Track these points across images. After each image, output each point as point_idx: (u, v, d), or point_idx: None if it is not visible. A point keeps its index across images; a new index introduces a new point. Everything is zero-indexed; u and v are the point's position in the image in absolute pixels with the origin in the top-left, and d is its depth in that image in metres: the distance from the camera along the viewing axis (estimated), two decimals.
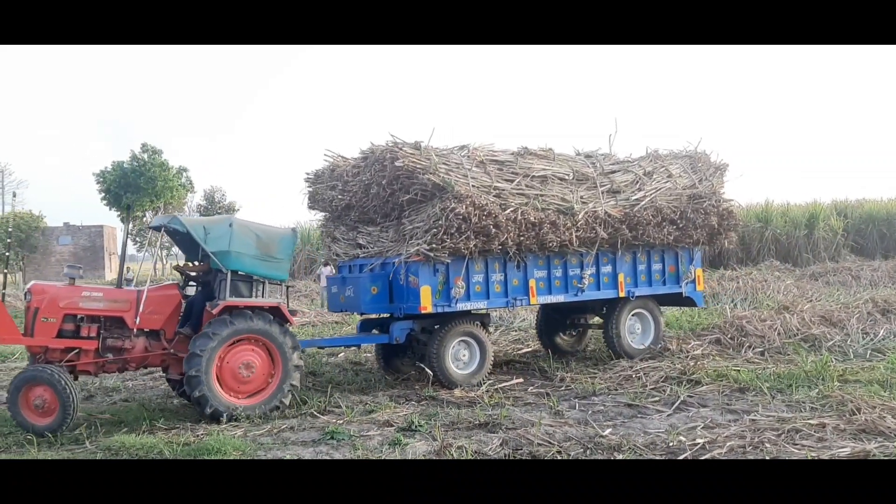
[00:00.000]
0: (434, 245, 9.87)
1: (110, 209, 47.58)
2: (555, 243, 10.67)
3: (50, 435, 8.17)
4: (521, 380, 10.79)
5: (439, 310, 10.38)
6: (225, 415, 8.69)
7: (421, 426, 8.34)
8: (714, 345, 12.56)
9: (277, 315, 9.19)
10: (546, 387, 10.36)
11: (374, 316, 11.49)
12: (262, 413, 8.87)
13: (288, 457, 7.36)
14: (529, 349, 13.51)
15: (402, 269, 10.44)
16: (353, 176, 11.21)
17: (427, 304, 10.23)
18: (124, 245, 9.87)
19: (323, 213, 12.53)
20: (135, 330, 8.98)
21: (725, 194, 12.81)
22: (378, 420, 8.73)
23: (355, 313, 11.93)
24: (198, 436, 8.20)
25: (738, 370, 10.58)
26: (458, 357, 10.61)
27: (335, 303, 11.70)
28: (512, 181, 10.71)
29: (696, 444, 7.28)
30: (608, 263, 11.74)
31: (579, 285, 11.38)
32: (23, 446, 7.95)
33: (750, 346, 12.20)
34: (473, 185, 10.25)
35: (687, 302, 12.85)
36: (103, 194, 47.55)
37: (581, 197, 11.16)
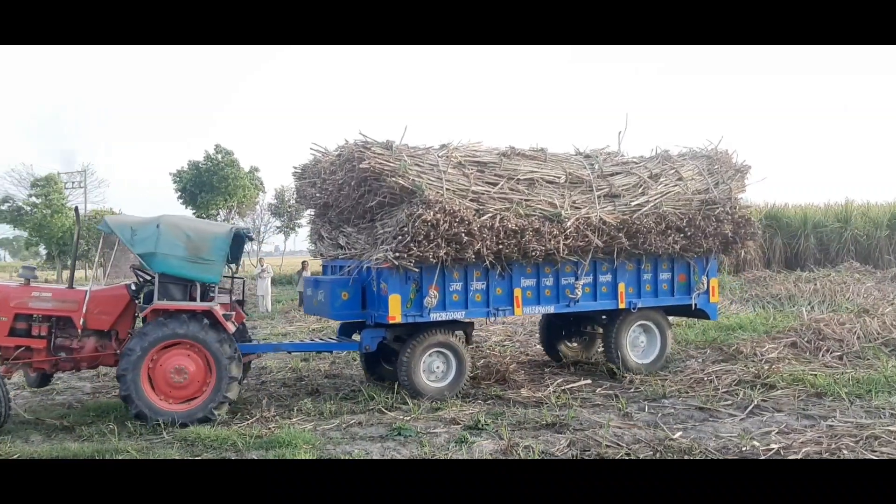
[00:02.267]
0: (400, 252, 9.27)
1: (186, 207, 49.11)
2: (539, 252, 9.84)
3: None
4: (588, 381, 10.68)
5: (410, 320, 9.69)
6: (149, 418, 8.55)
7: (487, 425, 8.35)
8: (790, 348, 12.21)
9: (211, 319, 8.91)
10: (614, 388, 10.23)
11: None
12: (190, 421, 8.60)
13: (356, 452, 7.47)
14: (598, 350, 13.34)
15: (373, 276, 9.89)
16: (329, 174, 10.63)
17: (396, 313, 9.56)
18: (75, 246, 9.90)
19: (311, 210, 12.02)
20: (79, 330, 8.97)
21: (744, 199, 11.74)
22: (444, 418, 8.78)
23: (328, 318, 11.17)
24: (269, 429, 8.39)
25: (815, 374, 10.26)
26: (433, 369, 9.99)
27: (310, 306, 11.26)
28: (494, 184, 9.94)
29: (770, 450, 7.12)
30: (607, 272, 10.77)
31: (572, 296, 10.48)
32: (104, 435, 8.27)
33: (828, 350, 11.82)
34: (448, 189, 9.54)
35: (699, 314, 11.79)
36: (179, 193, 49.16)
37: (574, 202, 10.29)
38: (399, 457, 7.34)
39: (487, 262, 9.72)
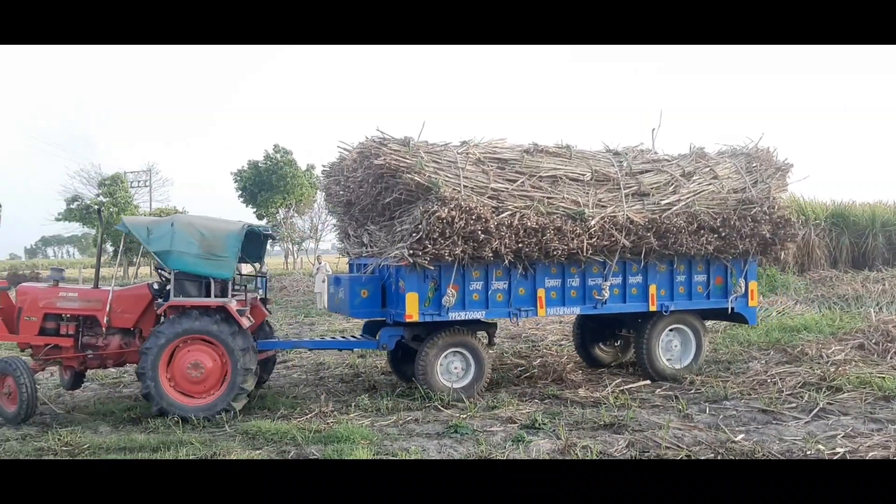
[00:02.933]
0: (415, 250, 9.14)
1: (247, 206, 50.09)
2: (560, 251, 9.57)
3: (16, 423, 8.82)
4: (648, 381, 10.55)
5: (427, 318, 9.56)
6: (171, 415, 8.76)
7: (544, 424, 8.30)
8: (857, 350, 11.86)
9: (225, 315, 9.05)
10: (674, 389, 10.07)
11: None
12: (209, 415, 8.81)
13: (413, 448, 7.51)
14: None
15: (392, 273, 9.76)
16: (351, 171, 10.51)
17: (413, 311, 9.43)
18: (99, 247, 10.13)
19: (339, 208, 11.76)
20: (104, 328, 9.28)
21: (784, 199, 11.08)
22: (501, 416, 8.77)
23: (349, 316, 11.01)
24: (328, 424, 8.50)
25: (883, 377, 9.94)
26: (451, 369, 9.82)
27: (332, 303, 11.17)
28: (515, 181, 9.73)
29: (835, 454, 6.93)
30: (637, 273, 10.41)
31: (599, 297, 10.15)
32: (169, 427, 8.49)
33: None
34: (466, 186, 9.39)
35: (738, 318, 11.30)
36: (240, 192, 50.17)
37: (600, 200, 10.00)
38: (456, 455, 7.36)
39: (507, 261, 9.55)
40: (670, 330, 10.93)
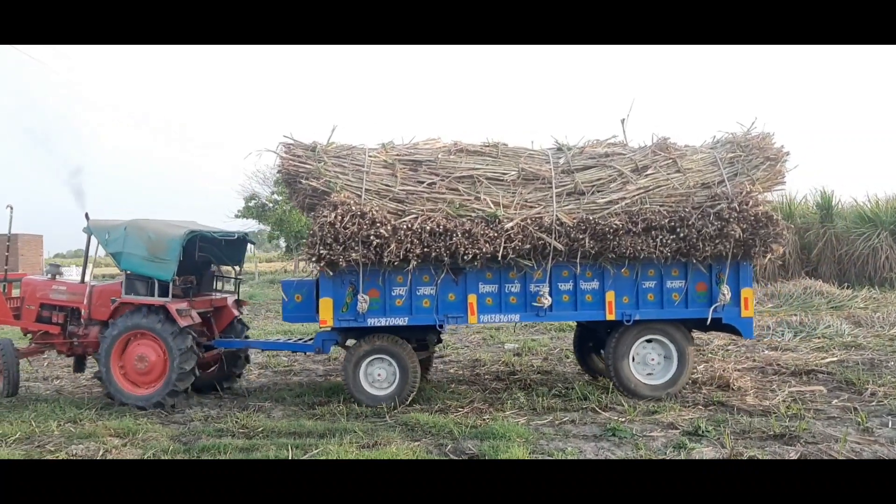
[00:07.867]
0: (310, 256, 8.94)
1: None
2: (472, 255, 8.94)
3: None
4: (822, 388, 9.87)
5: (343, 324, 9.36)
6: (116, 399, 9.67)
7: (708, 432, 7.96)
8: None
9: (169, 314, 9.62)
10: (853, 400, 9.35)
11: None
12: (145, 406, 9.52)
13: (570, 449, 7.43)
14: (835, 358, 12.25)
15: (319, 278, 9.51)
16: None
17: (327, 317, 9.27)
18: (87, 246, 10.65)
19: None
20: (83, 320, 10.23)
21: (770, 194, 9.50)
22: (661, 421, 8.50)
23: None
24: (483, 420, 8.59)
25: None
26: (376, 376, 9.55)
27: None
28: (428, 184, 9.29)
29: None
30: (592, 279, 9.47)
31: (539, 304, 9.38)
32: (334, 415, 8.89)
33: None
34: (368, 190, 9.12)
35: (729, 330, 9.88)
36: None
37: (526, 200, 9.26)
38: (612, 457, 7.22)
39: (412, 266, 9.07)
40: (647, 342, 9.80)
